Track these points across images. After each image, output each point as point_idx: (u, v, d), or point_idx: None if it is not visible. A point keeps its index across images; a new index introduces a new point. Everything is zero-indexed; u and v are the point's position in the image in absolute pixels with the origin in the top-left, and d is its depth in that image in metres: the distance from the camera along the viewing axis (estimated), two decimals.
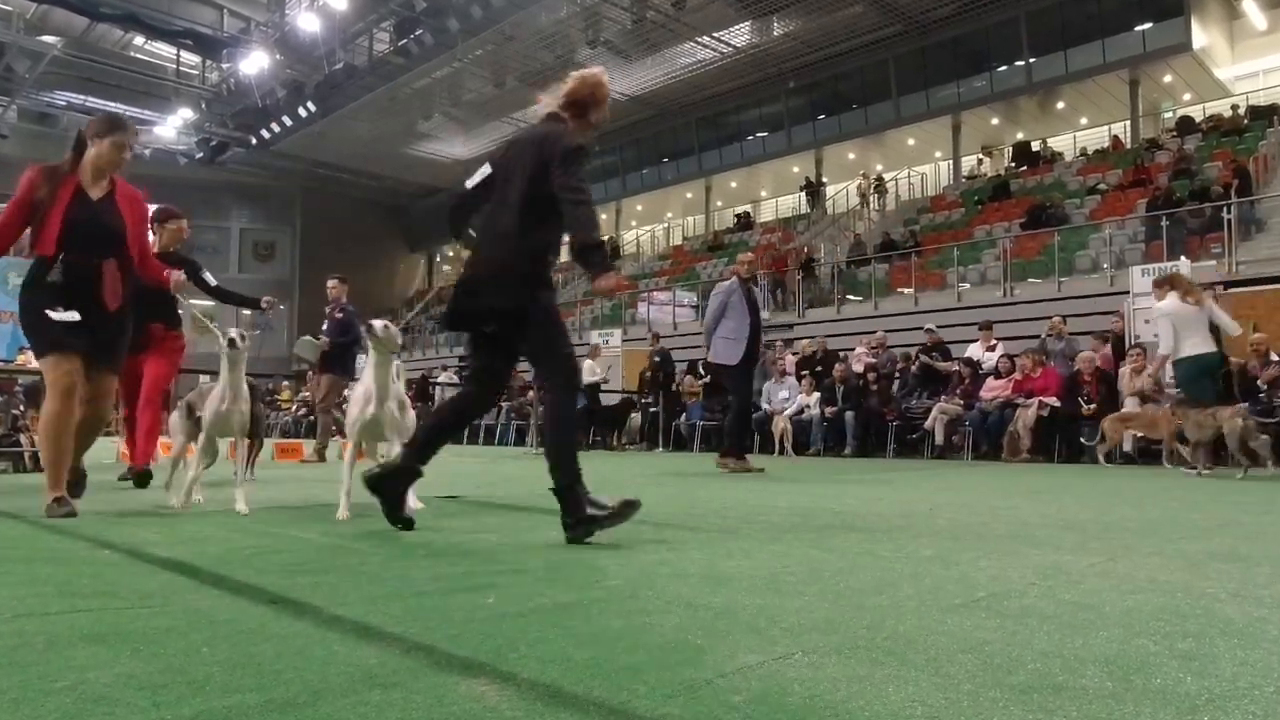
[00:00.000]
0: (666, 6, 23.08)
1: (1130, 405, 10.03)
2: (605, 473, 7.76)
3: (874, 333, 14.89)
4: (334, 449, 9.65)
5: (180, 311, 6.03)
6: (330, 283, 9.83)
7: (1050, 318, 12.66)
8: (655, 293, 25.31)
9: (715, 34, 24.95)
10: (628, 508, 3.13)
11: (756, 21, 24.61)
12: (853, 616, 1.87)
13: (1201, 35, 21.59)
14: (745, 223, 30.79)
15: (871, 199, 27.20)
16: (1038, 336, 12.56)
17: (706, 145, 30.73)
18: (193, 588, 2.17)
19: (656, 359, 15.52)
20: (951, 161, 27.21)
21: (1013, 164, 25.62)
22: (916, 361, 13.01)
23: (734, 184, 32.74)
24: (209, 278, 6.37)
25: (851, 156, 29.18)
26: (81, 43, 27.35)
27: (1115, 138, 24.24)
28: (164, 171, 34.62)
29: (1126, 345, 11.20)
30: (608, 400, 16.22)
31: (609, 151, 33.30)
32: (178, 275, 4.44)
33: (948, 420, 11.72)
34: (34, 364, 7.25)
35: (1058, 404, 10.71)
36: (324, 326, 9.63)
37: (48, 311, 3.81)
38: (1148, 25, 21.44)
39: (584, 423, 15.87)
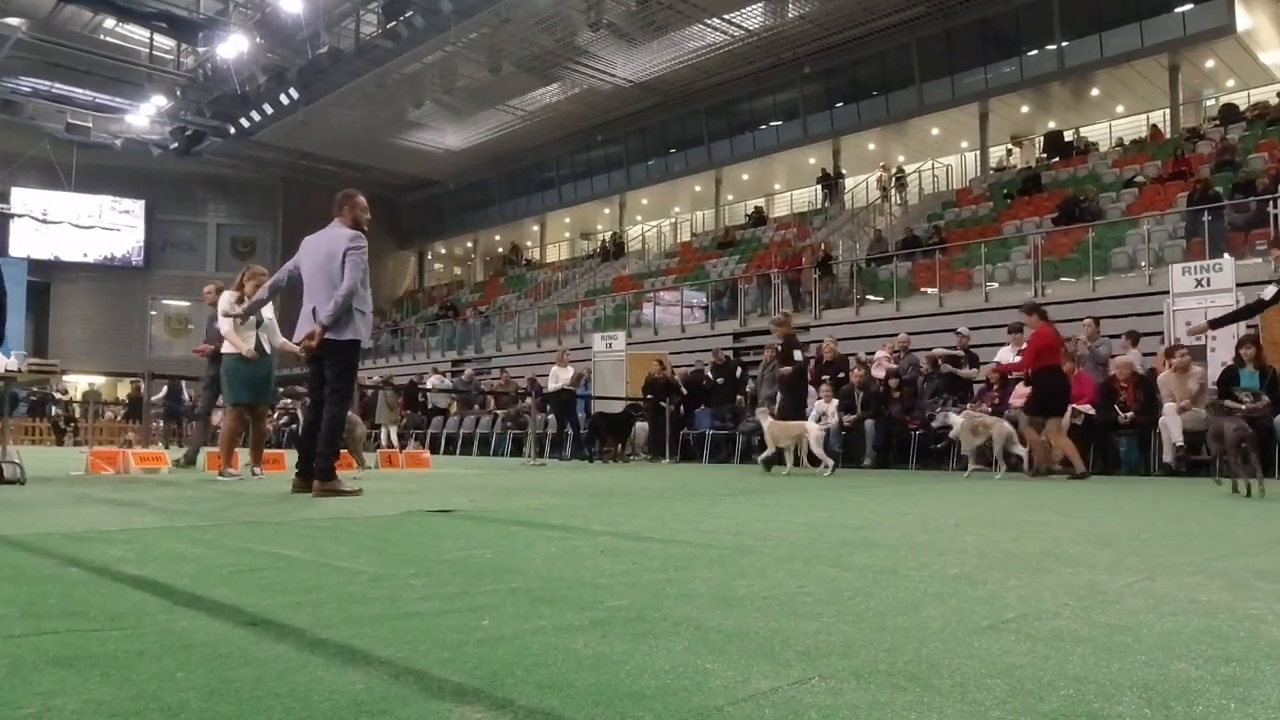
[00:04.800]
0: None
1: (1169, 411, 10.01)
2: (606, 486, 7.76)
3: (896, 335, 14.87)
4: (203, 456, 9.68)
5: None
6: (207, 289, 9.68)
7: (1084, 319, 12.65)
8: (661, 292, 25.33)
9: (726, 16, 24.99)
10: None
11: (770, 2, 24.65)
12: (873, 639, 1.87)
13: (1246, 17, 21.56)
14: (758, 218, 30.81)
15: (893, 192, 27.20)
16: (1070, 339, 12.54)
17: (716, 135, 30.76)
18: (167, 609, 2.17)
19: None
20: (978, 152, 27.20)
21: (1044, 155, 25.62)
22: (937, 368, 13.00)
23: (746, 176, 32.77)
24: None
25: (872, 147, 29.19)
26: (48, 25, 27.43)
27: (1154, 127, 24.22)
28: (136, 163, 34.84)
29: (1165, 349, 11.20)
30: (609, 408, 16.25)
31: (613, 142, 33.37)
32: None
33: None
34: None
35: (1092, 411, 10.69)
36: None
37: None
38: (1188, 6, 21.42)
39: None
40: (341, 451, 9.34)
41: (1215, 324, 7.87)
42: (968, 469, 10.28)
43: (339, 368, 6.26)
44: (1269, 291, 7.38)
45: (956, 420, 10.30)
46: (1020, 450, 9.73)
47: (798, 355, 11.43)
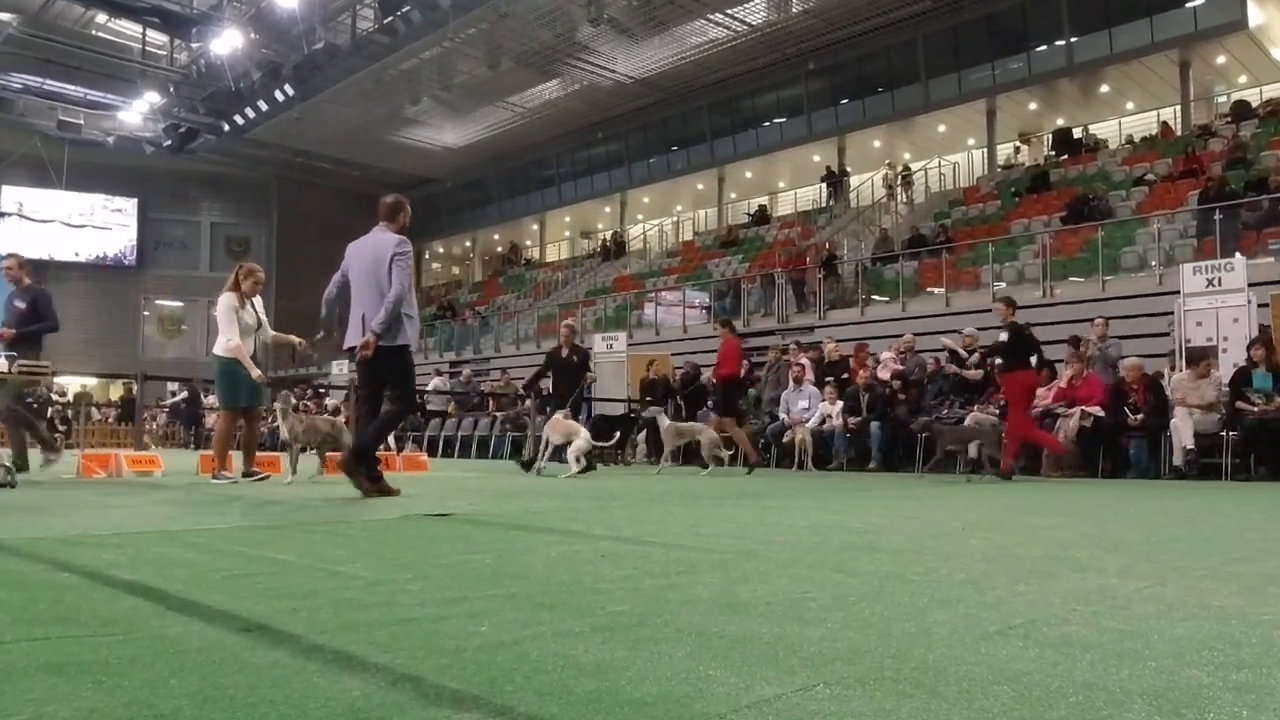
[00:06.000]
0: None
1: (1179, 413, 10.01)
2: (606, 490, 7.76)
3: (901, 336, 14.86)
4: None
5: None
6: (7, 263, 9.06)
7: (1093, 319, 12.64)
8: (663, 292, 25.33)
9: (729, 11, 25.01)
10: None
11: None
12: (879, 645, 1.87)
13: (1258, 12, 21.55)
14: (761, 216, 30.82)
15: (899, 190, 27.20)
16: (1082, 339, 12.51)
17: (719, 132, 30.76)
18: (159, 614, 2.17)
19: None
20: (986, 150, 27.22)
21: (1052, 152, 25.60)
22: (940, 369, 13.00)
23: (749, 174, 32.77)
24: None
25: (877, 144, 29.19)
26: (39, 20, 27.48)
27: (1164, 124, 24.22)
28: (129, 161, 34.87)
29: (1176, 351, 11.20)
30: (610, 410, 16.22)
31: (613, 139, 33.37)
32: None
33: None
34: None
35: (1102, 414, 10.68)
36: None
37: None
38: (1199, 1, 21.42)
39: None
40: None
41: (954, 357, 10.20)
42: (659, 467, 12.17)
43: (398, 375, 6.41)
44: (1003, 335, 9.83)
45: (665, 422, 11.64)
46: (724, 454, 11.38)
47: (592, 365, 13.03)
